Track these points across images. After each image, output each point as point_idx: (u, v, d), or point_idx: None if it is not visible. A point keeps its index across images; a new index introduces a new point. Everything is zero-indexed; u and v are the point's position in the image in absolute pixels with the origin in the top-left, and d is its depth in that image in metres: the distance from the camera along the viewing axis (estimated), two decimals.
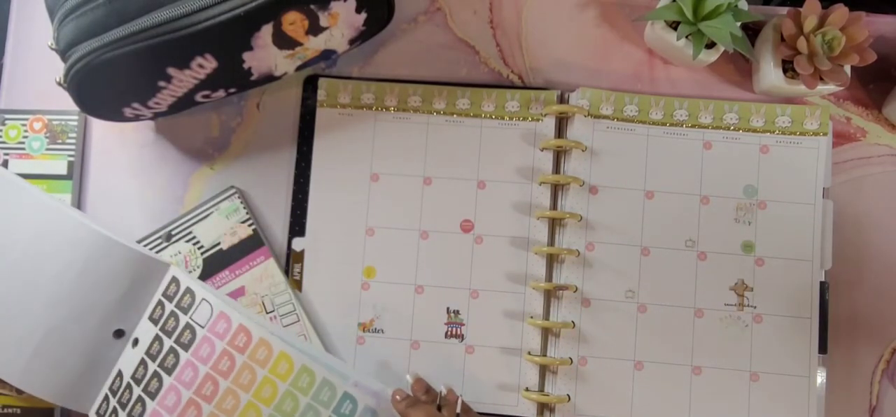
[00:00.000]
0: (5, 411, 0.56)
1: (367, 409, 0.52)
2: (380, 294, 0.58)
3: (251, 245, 0.57)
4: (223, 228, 0.58)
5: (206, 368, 0.50)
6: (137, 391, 0.51)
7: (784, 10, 0.56)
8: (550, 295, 0.58)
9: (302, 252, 0.58)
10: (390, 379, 0.56)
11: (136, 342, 0.53)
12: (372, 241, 0.58)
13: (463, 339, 0.57)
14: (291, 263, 0.58)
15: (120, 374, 0.52)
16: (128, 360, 0.53)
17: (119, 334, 0.53)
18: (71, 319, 0.53)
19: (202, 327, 0.51)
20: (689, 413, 0.56)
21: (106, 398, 0.52)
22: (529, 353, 0.57)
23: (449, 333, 0.57)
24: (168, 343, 0.51)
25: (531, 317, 0.57)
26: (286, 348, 0.50)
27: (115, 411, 0.52)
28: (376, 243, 0.58)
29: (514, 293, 0.58)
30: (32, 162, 0.58)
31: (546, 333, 0.58)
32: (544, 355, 0.57)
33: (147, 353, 0.52)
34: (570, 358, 0.56)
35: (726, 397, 0.56)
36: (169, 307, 0.52)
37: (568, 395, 0.56)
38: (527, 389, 0.57)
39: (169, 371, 0.51)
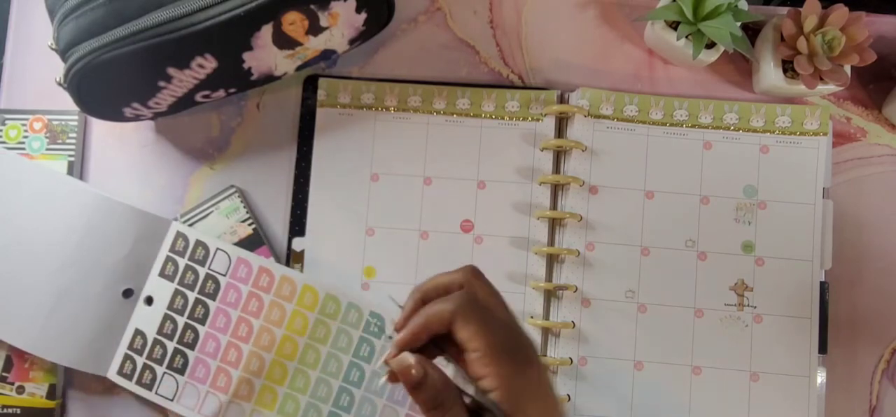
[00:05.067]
0: (5, 411, 0.56)
1: (393, 323, 0.54)
2: (380, 294, 0.58)
3: (251, 244, 0.57)
4: (223, 228, 0.58)
5: (238, 312, 0.55)
6: (172, 345, 0.55)
7: (784, 10, 0.56)
8: (550, 295, 0.58)
9: (302, 252, 0.58)
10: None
11: (149, 300, 0.56)
12: (372, 241, 0.58)
13: None
14: (291, 263, 0.58)
15: (140, 333, 0.55)
16: (145, 319, 0.55)
17: (128, 293, 0.56)
18: (79, 282, 0.55)
19: (224, 275, 0.55)
20: (689, 413, 0.56)
21: (129, 358, 0.55)
22: None
23: None
24: (192, 295, 0.55)
25: (531, 317, 0.57)
26: (308, 280, 0.54)
27: (147, 368, 0.55)
28: (376, 243, 0.58)
29: (514, 293, 0.58)
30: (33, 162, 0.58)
31: (546, 333, 0.58)
32: (544, 355, 0.57)
33: (171, 309, 0.55)
34: (570, 358, 0.56)
35: (726, 397, 0.56)
36: (182, 262, 0.56)
37: (568, 395, 0.56)
38: None
39: (202, 321, 0.55)
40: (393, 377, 0.39)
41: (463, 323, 0.38)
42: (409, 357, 0.38)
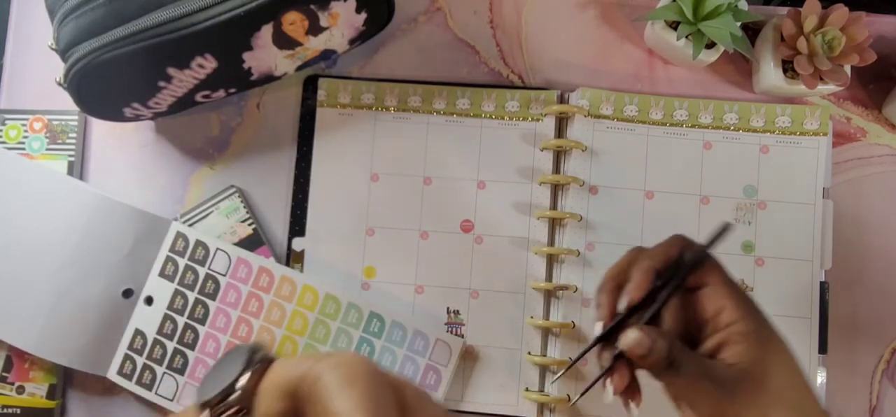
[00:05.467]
0: (5, 411, 0.56)
1: (395, 324, 0.55)
2: (380, 294, 0.58)
3: (251, 244, 0.57)
4: (223, 227, 0.58)
5: (238, 312, 0.56)
6: (172, 344, 0.55)
7: (784, 10, 0.56)
8: (550, 295, 0.58)
9: (302, 252, 0.58)
10: None
11: (149, 300, 0.56)
12: (372, 241, 0.58)
13: (463, 339, 0.57)
14: (291, 263, 0.58)
15: (140, 333, 0.55)
16: (145, 319, 0.56)
17: (127, 294, 0.56)
18: (79, 282, 0.55)
19: (224, 275, 0.56)
20: None
21: (128, 358, 0.55)
22: (529, 353, 0.57)
23: (449, 333, 0.57)
24: (192, 295, 0.56)
25: (531, 317, 0.57)
26: (308, 281, 0.56)
27: (147, 368, 0.55)
28: (376, 243, 0.58)
29: (514, 293, 0.58)
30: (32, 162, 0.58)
31: (546, 333, 0.58)
32: (544, 355, 0.57)
33: (171, 309, 0.55)
34: (570, 358, 0.56)
35: None
36: (182, 262, 0.56)
37: (568, 395, 0.56)
38: (527, 389, 0.57)
39: (202, 321, 0.56)
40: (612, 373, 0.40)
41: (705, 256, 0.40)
42: (632, 334, 0.38)
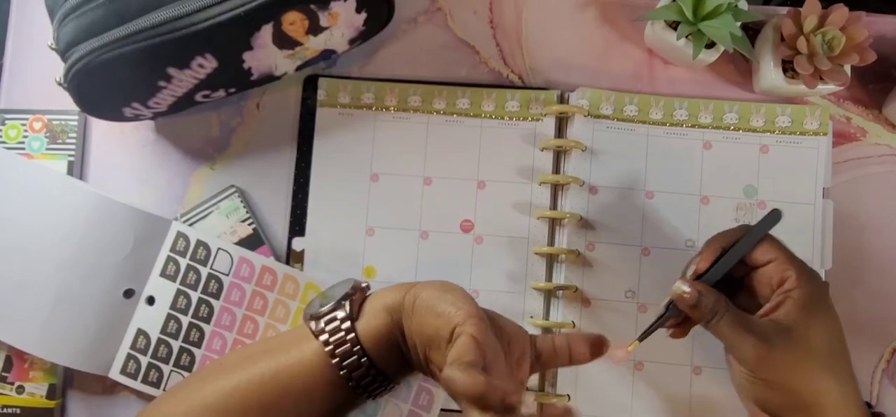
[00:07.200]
0: (5, 411, 0.56)
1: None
2: None
3: (251, 244, 0.57)
4: (223, 227, 0.58)
5: (242, 310, 0.56)
6: (177, 343, 0.56)
7: (784, 10, 0.56)
8: (550, 295, 0.58)
9: (302, 252, 0.58)
10: None
11: (151, 300, 0.56)
12: (372, 241, 0.58)
13: None
14: (291, 263, 0.58)
15: (143, 333, 0.55)
16: (147, 318, 0.56)
17: (129, 294, 0.56)
18: (79, 283, 0.55)
19: (227, 275, 0.56)
20: (690, 413, 0.56)
21: (132, 357, 0.55)
22: None
23: None
24: (195, 295, 0.56)
25: (531, 317, 0.57)
26: (310, 279, 0.56)
27: (153, 367, 0.55)
28: (376, 243, 0.58)
29: (514, 293, 0.58)
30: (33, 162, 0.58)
31: (546, 333, 0.58)
32: None
33: (174, 308, 0.56)
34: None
35: (726, 397, 0.56)
36: (183, 262, 0.56)
37: (568, 395, 0.56)
38: (527, 388, 0.57)
39: (207, 320, 0.56)
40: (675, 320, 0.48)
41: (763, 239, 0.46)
42: (682, 285, 0.45)
